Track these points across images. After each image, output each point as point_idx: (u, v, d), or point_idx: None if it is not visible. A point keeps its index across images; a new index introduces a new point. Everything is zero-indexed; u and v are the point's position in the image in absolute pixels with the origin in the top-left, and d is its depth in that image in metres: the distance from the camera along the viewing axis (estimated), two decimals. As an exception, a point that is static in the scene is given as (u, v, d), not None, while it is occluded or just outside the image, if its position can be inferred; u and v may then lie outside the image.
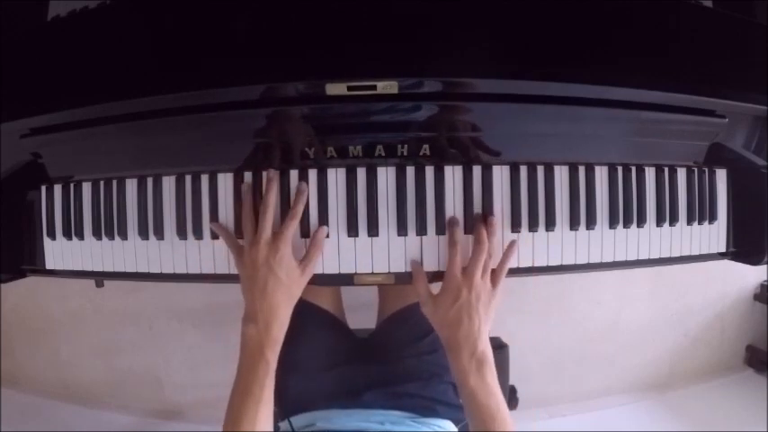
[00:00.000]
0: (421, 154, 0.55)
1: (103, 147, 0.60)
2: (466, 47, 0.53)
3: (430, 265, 0.57)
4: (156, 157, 0.59)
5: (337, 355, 0.73)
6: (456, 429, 0.70)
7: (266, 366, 0.51)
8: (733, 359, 1.58)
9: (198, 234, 0.58)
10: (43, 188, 0.63)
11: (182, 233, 0.58)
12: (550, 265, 0.58)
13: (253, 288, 0.52)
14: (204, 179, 0.58)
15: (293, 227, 0.54)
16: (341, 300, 0.83)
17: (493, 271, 0.56)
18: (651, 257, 0.61)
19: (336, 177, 0.56)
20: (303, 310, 0.74)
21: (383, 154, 0.55)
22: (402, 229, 0.56)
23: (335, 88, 0.51)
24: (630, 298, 1.48)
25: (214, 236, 0.58)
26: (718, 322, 1.55)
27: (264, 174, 0.55)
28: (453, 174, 0.57)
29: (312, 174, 0.56)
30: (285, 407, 0.70)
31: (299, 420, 0.67)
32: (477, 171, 0.57)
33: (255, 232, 0.53)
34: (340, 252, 0.57)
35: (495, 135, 0.56)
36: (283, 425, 0.69)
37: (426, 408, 0.69)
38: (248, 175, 0.57)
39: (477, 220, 0.56)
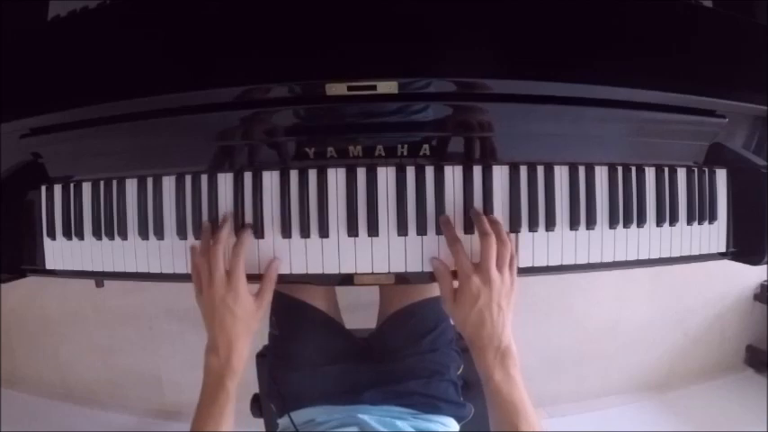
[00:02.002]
0: (421, 154, 0.55)
1: (103, 147, 0.60)
2: (466, 47, 0.53)
3: (430, 265, 0.57)
4: (155, 156, 0.59)
5: (335, 353, 0.73)
6: (458, 426, 0.70)
7: (227, 395, 0.53)
8: (733, 359, 1.58)
9: (198, 234, 0.58)
10: (43, 188, 0.63)
11: (182, 233, 0.58)
12: (550, 265, 0.58)
13: (213, 324, 0.55)
14: (204, 179, 0.58)
15: (242, 265, 0.55)
16: (336, 300, 0.83)
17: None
18: (651, 257, 0.61)
19: (336, 177, 0.56)
20: (298, 310, 0.75)
21: (383, 154, 0.55)
22: (402, 229, 0.56)
23: (335, 88, 0.51)
24: (630, 298, 1.48)
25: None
26: (718, 322, 1.55)
27: (222, 215, 0.57)
28: (453, 174, 0.57)
29: (312, 174, 0.56)
30: (285, 403, 0.70)
31: (298, 416, 0.67)
32: (477, 171, 0.57)
33: (210, 272, 0.55)
34: (340, 252, 0.57)
35: (495, 135, 0.56)
36: (282, 421, 0.69)
37: (428, 405, 0.69)
38: (248, 176, 0.57)
39: (477, 214, 0.56)
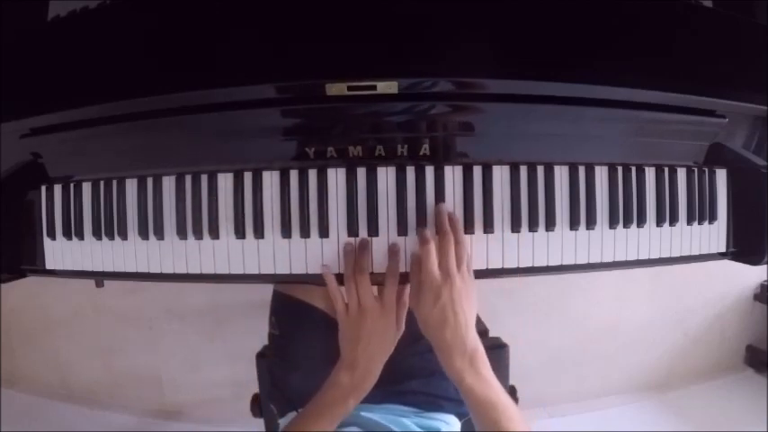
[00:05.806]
0: (421, 154, 0.55)
1: (103, 147, 0.60)
2: (466, 47, 0.53)
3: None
4: (156, 157, 0.59)
5: (335, 353, 0.73)
6: (459, 424, 0.70)
7: (345, 411, 0.55)
8: (733, 359, 1.58)
9: (198, 234, 0.58)
10: (43, 188, 0.63)
11: (182, 233, 0.58)
12: (550, 265, 0.58)
13: (356, 347, 0.55)
14: (204, 179, 0.58)
15: (394, 292, 0.56)
16: None
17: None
18: (651, 257, 0.61)
19: (336, 177, 0.56)
20: (298, 310, 0.75)
21: (383, 154, 0.55)
22: (402, 230, 0.56)
23: (335, 88, 0.51)
24: (630, 298, 1.48)
25: (214, 236, 0.58)
26: (718, 322, 1.55)
27: (357, 240, 0.57)
28: (453, 174, 0.57)
29: (312, 174, 0.56)
30: (288, 402, 0.70)
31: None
32: (477, 171, 0.57)
33: (360, 296, 0.55)
34: (340, 252, 0.57)
35: (496, 135, 0.56)
36: (284, 421, 0.69)
37: (430, 403, 0.69)
38: (248, 176, 0.57)
39: (440, 212, 0.55)
